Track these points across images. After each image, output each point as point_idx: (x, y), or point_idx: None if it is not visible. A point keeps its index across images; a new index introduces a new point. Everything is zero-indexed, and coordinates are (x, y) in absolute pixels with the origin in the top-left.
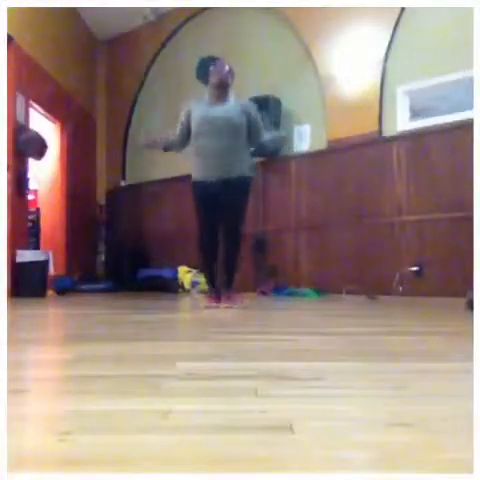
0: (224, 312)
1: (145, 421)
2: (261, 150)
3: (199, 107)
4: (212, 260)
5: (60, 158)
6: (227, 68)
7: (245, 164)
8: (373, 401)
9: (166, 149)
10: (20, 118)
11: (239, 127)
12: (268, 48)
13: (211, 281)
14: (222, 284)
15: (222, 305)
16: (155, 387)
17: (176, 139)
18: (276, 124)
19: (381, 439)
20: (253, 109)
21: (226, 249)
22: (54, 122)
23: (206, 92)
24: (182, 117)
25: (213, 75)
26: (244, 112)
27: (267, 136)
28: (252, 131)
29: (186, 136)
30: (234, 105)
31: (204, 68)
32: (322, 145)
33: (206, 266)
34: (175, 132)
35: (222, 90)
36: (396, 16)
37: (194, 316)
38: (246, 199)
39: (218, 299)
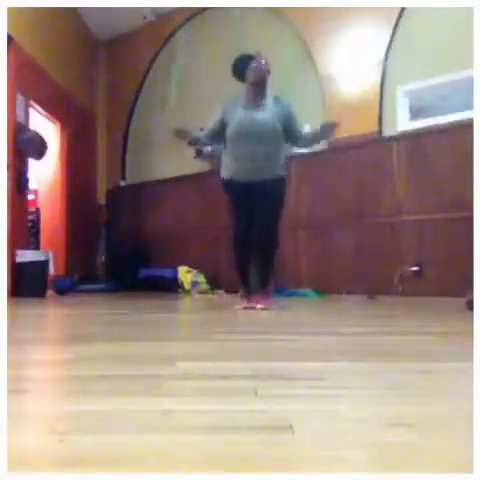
0: (227, 313)
1: (145, 421)
2: (305, 144)
3: (236, 109)
4: (245, 259)
5: (60, 158)
6: (266, 64)
7: (279, 166)
8: (373, 401)
9: (192, 143)
10: (20, 118)
11: (277, 131)
12: (268, 48)
13: (243, 281)
14: (256, 284)
15: (258, 306)
16: (155, 387)
17: (205, 137)
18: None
19: (381, 439)
20: (290, 107)
21: (260, 248)
22: (54, 122)
23: (243, 90)
24: (216, 117)
25: (252, 73)
26: (282, 113)
27: (307, 130)
28: (290, 131)
29: (216, 136)
30: (272, 107)
31: (242, 65)
32: (322, 145)
33: (238, 266)
34: (206, 129)
35: (261, 89)
36: (396, 16)
37: (194, 316)
38: (281, 198)
39: (251, 298)
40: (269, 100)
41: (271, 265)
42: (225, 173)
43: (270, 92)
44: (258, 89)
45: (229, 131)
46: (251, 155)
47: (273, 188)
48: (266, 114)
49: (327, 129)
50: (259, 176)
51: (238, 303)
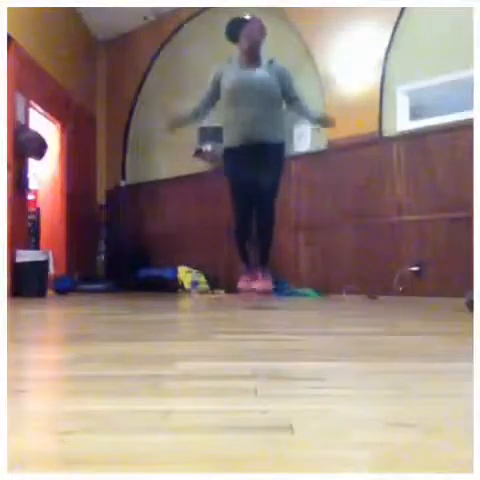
0: (227, 314)
1: (145, 421)
2: (307, 118)
3: (230, 72)
4: (245, 236)
5: (60, 158)
6: (260, 27)
7: (279, 131)
8: (373, 401)
9: (186, 122)
10: (20, 118)
11: (273, 94)
12: (268, 48)
13: (245, 258)
14: (256, 260)
15: (258, 286)
16: (155, 387)
17: (200, 105)
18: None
19: (381, 439)
20: (287, 75)
21: (259, 223)
22: (54, 122)
23: (237, 53)
24: (209, 83)
25: (245, 38)
26: (278, 78)
27: (311, 109)
28: (288, 98)
29: (212, 102)
30: (267, 70)
31: (236, 28)
32: (322, 145)
33: (239, 242)
34: (200, 98)
35: (254, 53)
36: (396, 16)
37: (194, 316)
38: (280, 167)
39: (253, 277)
40: (263, 64)
41: (271, 240)
42: (226, 141)
43: (264, 56)
44: (252, 54)
45: (225, 93)
46: (249, 115)
47: (273, 154)
48: (260, 74)
49: (326, 119)
50: (258, 138)
51: (241, 281)
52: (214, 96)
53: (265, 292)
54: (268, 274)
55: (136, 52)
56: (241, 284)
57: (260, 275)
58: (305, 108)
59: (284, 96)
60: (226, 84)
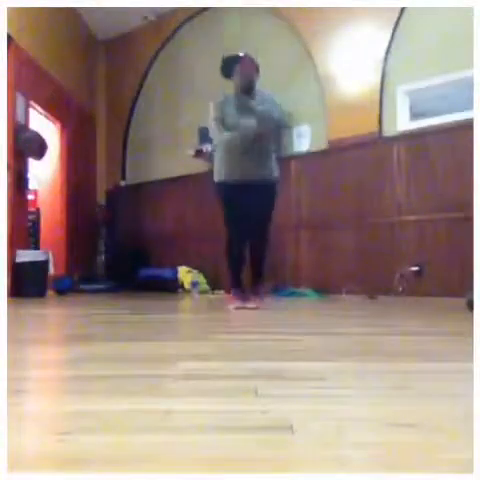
0: (232, 313)
1: (145, 421)
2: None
3: (228, 108)
4: (240, 261)
5: (60, 158)
6: (253, 65)
7: (271, 166)
8: (373, 401)
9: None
10: (20, 118)
11: (267, 136)
12: (268, 48)
13: (236, 283)
14: (252, 281)
15: (249, 305)
16: (155, 387)
17: (219, 134)
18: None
19: (381, 439)
20: (277, 107)
21: (254, 249)
22: (54, 122)
23: (232, 89)
24: (215, 112)
25: (238, 76)
26: (270, 108)
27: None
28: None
29: (223, 127)
30: (261, 105)
31: (228, 66)
32: (322, 145)
33: (232, 267)
34: (215, 131)
35: (249, 90)
36: (396, 16)
37: (194, 316)
38: (274, 200)
39: (244, 298)
40: (258, 99)
41: (264, 265)
42: (217, 176)
43: (259, 94)
44: (246, 90)
45: (225, 127)
46: (243, 165)
47: (267, 190)
48: (254, 117)
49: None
50: (252, 176)
51: (231, 303)
52: (222, 122)
53: (256, 308)
54: (261, 294)
55: (136, 52)
56: (232, 307)
57: (252, 297)
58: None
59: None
60: (227, 123)
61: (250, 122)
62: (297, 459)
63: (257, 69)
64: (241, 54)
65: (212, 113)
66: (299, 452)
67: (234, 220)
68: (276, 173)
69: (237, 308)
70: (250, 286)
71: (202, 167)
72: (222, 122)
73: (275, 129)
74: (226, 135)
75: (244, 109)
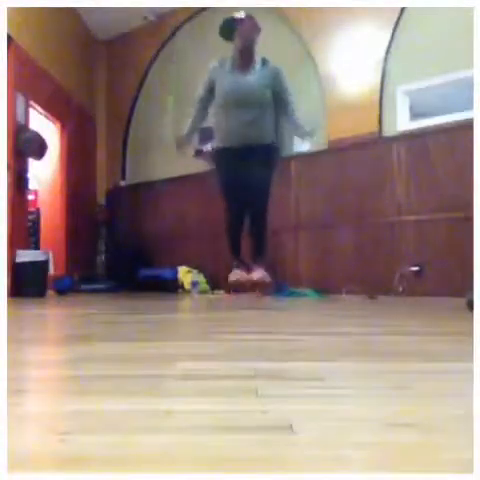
0: (227, 314)
1: (145, 421)
2: (296, 131)
3: (223, 76)
4: (238, 232)
5: (60, 158)
6: (254, 25)
7: (269, 132)
8: (373, 401)
9: (190, 137)
10: (20, 118)
11: (264, 97)
12: (268, 48)
13: (235, 251)
14: (251, 255)
15: (256, 277)
16: (155, 387)
17: (196, 115)
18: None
19: (381, 439)
20: (282, 78)
21: (252, 219)
22: (54, 122)
23: (231, 52)
24: (201, 89)
25: (239, 37)
26: (271, 80)
27: (301, 122)
28: (280, 101)
29: (206, 107)
30: (261, 72)
31: (229, 28)
32: (322, 145)
33: (231, 239)
34: (195, 106)
35: (249, 53)
36: (396, 16)
37: (194, 316)
38: (272, 166)
39: (248, 269)
40: (257, 64)
41: (265, 235)
42: (216, 142)
43: (258, 56)
44: (246, 54)
45: (217, 98)
46: (239, 122)
47: (263, 154)
48: (253, 80)
49: (313, 133)
50: (248, 142)
51: (233, 274)
52: (207, 101)
53: (264, 284)
54: (263, 266)
55: (136, 52)
56: (234, 276)
57: (255, 266)
58: (295, 119)
59: (276, 99)
60: (218, 90)
61: (250, 81)
62: (297, 459)
63: (258, 30)
64: (243, 15)
65: (200, 90)
66: (299, 452)
67: (231, 187)
68: (270, 138)
69: (239, 283)
70: (251, 259)
71: (202, 167)
72: (210, 92)
73: (275, 92)
74: (221, 96)
75: (242, 73)
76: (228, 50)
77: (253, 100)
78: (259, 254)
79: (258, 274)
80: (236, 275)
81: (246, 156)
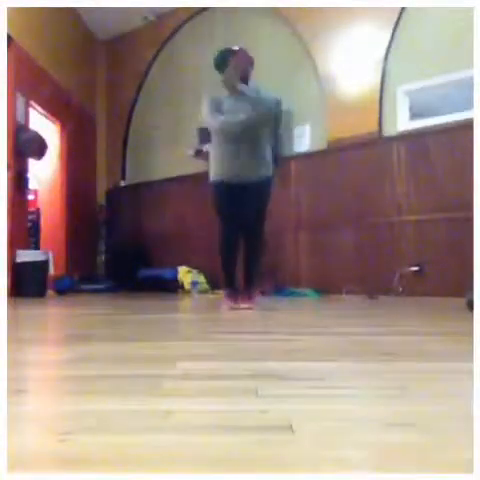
0: (229, 313)
1: (145, 421)
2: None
3: (221, 101)
4: (232, 262)
5: (60, 158)
6: (248, 59)
7: (266, 164)
8: (373, 401)
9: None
10: (20, 118)
11: (262, 131)
12: (268, 48)
13: (230, 282)
14: (244, 284)
15: (242, 305)
16: (155, 387)
17: (214, 121)
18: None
19: (381, 439)
20: (278, 109)
21: (248, 249)
22: (54, 122)
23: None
24: (210, 107)
25: (233, 68)
26: (269, 109)
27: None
28: (274, 130)
29: (216, 114)
30: (256, 98)
31: (223, 59)
32: (322, 145)
33: (225, 267)
34: (213, 122)
35: (243, 83)
36: (396, 16)
37: (194, 316)
38: (268, 199)
39: (237, 299)
40: (252, 91)
41: (259, 266)
42: (213, 176)
43: (254, 83)
44: (240, 81)
45: (215, 129)
46: (236, 160)
47: (261, 189)
48: (249, 108)
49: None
50: (246, 176)
51: (224, 304)
52: (215, 111)
53: (250, 308)
54: (254, 292)
55: (136, 52)
56: (224, 307)
57: (246, 297)
58: (278, 150)
59: (269, 127)
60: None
61: (244, 116)
62: (297, 459)
63: (252, 63)
64: (236, 48)
65: (206, 108)
66: (299, 452)
67: (227, 219)
68: (268, 171)
69: (231, 308)
70: (243, 287)
71: (202, 167)
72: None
73: (272, 121)
74: (220, 125)
75: (237, 106)
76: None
77: (251, 130)
78: (250, 286)
79: (245, 305)
80: (226, 305)
81: (243, 190)
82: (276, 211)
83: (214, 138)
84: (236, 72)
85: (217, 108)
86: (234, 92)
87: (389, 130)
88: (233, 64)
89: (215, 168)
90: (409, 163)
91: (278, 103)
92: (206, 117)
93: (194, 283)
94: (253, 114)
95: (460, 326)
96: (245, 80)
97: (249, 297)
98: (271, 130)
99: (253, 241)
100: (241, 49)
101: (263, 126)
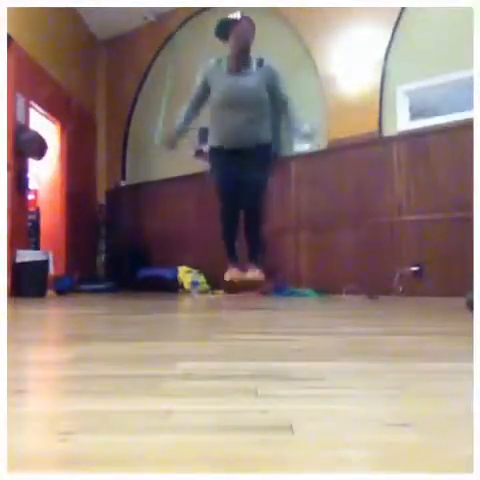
0: (230, 313)
1: (145, 421)
2: (294, 133)
3: (219, 74)
4: (232, 231)
5: (60, 158)
6: (250, 26)
7: (263, 132)
8: (373, 401)
9: (182, 132)
10: (20, 118)
11: (260, 98)
12: (268, 48)
13: (231, 252)
14: (249, 251)
15: (250, 276)
16: (155, 387)
17: (190, 110)
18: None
19: (381, 439)
20: (278, 78)
21: (248, 221)
22: (54, 122)
23: (226, 52)
24: (197, 87)
25: (235, 39)
26: (267, 81)
27: (300, 123)
28: (277, 101)
29: (201, 105)
30: (256, 74)
31: (225, 28)
32: (322, 145)
33: (227, 240)
34: (189, 101)
35: (244, 55)
36: (396, 16)
37: (194, 316)
38: (267, 166)
39: (243, 268)
40: (253, 65)
41: (260, 233)
42: (211, 141)
43: (254, 56)
44: (241, 55)
45: (212, 99)
46: (235, 122)
47: (258, 155)
48: (249, 81)
49: (313, 134)
50: (244, 142)
51: (228, 272)
52: (203, 98)
53: (257, 282)
54: (258, 266)
55: (136, 52)
56: (228, 275)
57: (249, 266)
58: (293, 120)
59: (273, 99)
60: (214, 91)
61: (246, 82)
62: (297, 459)
63: (254, 31)
64: (238, 16)
65: (196, 87)
66: (299, 452)
67: (226, 187)
68: (266, 138)
69: (235, 281)
70: (248, 256)
71: (202, 167)
72: (204, 92)
73: (270, 92)
74: (217, 98)
75: (238, 74)
76: (227, 51)
77: (248, 101)
78: (254, 254)
79: (251, 274)
80: (230, 274)
81: (241, 157)
82: (276, 211)
83: (213, 106)
84: (237, 44)
85: (209, 82)
86: (234, 67)
87: (389, 130)
88: (234, 35)
89: (214, 134)
90: (409, 163)
91: (275, 74)
92: (196, 86)
93: (194, 283)
94: (252, 86)
95: (460, 326)
96: (246, 52)
97: (254, 266)
98: (273, 101)
99: (254, 215)
100: (243, 18)
101: (262, 99)
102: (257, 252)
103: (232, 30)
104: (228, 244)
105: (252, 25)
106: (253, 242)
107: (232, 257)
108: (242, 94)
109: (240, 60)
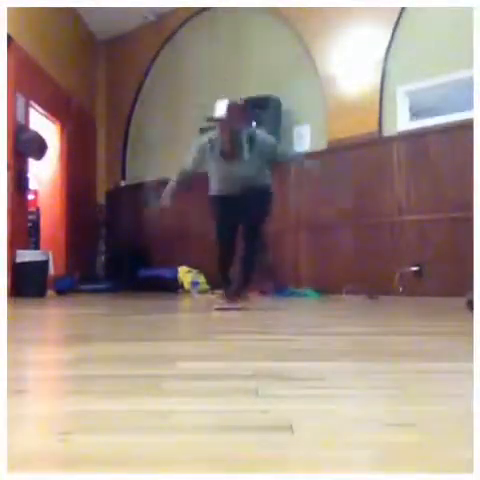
0: (226, 313)
1: (145, 421)
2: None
3: (212, 160)
4: (228, 263)
5: (60, 158)
6: (239, 115)
7: (263, 177)
8: (373, 401)
9: (180, 184)
10: (20, 118)
11: (258, 171)
12: (268, 48)
13: (225, 283)
14: (237, 283)
15: (235, 306)
16: (155, 387)
17: (187, 172)
18: (276, 124)
19: (381, 439)
20: (271, 147)
21: (245, 249)
22: (54, 122)
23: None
24: (195, 152)
25: (223, 132)
26: (262, 156)
27: (280, 149)
28: (274, 158)
29: (200, 166)
30: (250, 159)
31: (213, 123)
32: (322, 145)
33: (221, 270)
34: (187, 163)
35: (235, 140)
36: (396, 16)
37: (194, 316)
38: (267, 204)
39: (233, 299)
40: (245, 148)
41: (251, 270)
42: (210, 191)
43: (244, 132)
44: (233, 140)
45: (210, 167)
46: (235, 175)
47: (258, 196)
48: (244, 169)
49: (308, 165)
50: (244, 189)
51: (218, 303)
52: (202, 162)
53: (231, 309)
54: (240, 293)
55: (136, 52)
56: (217, 305)
57: (239, 299)
58: (286, 157)
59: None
60: (210, 168)
61: (241, 171)
62: (297, 459)
63: (241, 116)
64: (224, 112)
65: (193, 152)
66: (299, 452)
67: (224, 228)
68: (267, 181)
69: (217, 309)
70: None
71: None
72: (199, 165)
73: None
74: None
75: (231, 162)
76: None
77: (245, 180)
78: (238, 287)
79: (228, 305)
80: (219, 305)
81: (241, 199)
82: (276, 211)
83: (210, 160)
84: (226, 134)
85: (204, 156)
86: (228, 153)
87: (389, 130)
88: (222, 128)
89: (214, 185)
90: (409, 163)
91: (273, 147)
92: (189, 162)
93: (194, 283)
94: (246, 170)
95: (460, 326)
96: (237, 135)
97: (235, 297)
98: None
99: (250, 243)
100: (230, 108)
101: (258, 166)
102: (241, 286)
103: (219, 126)
104: (224, 277)
105: (240, 111)
106: (241, 277)
107: (224, 283)
108: (238, 180)
109: (231, 145)
